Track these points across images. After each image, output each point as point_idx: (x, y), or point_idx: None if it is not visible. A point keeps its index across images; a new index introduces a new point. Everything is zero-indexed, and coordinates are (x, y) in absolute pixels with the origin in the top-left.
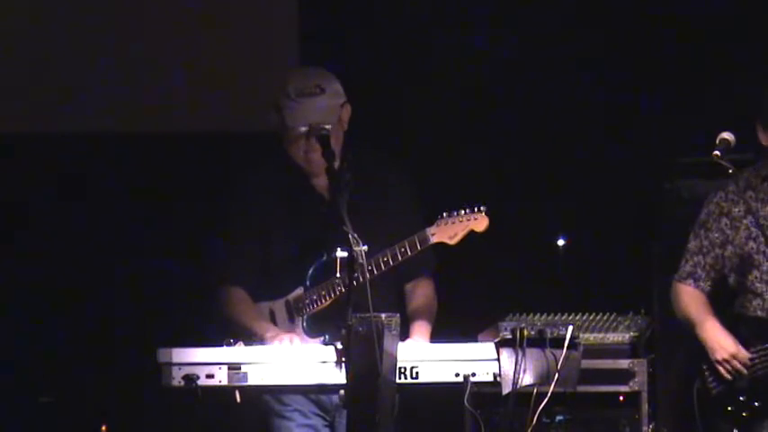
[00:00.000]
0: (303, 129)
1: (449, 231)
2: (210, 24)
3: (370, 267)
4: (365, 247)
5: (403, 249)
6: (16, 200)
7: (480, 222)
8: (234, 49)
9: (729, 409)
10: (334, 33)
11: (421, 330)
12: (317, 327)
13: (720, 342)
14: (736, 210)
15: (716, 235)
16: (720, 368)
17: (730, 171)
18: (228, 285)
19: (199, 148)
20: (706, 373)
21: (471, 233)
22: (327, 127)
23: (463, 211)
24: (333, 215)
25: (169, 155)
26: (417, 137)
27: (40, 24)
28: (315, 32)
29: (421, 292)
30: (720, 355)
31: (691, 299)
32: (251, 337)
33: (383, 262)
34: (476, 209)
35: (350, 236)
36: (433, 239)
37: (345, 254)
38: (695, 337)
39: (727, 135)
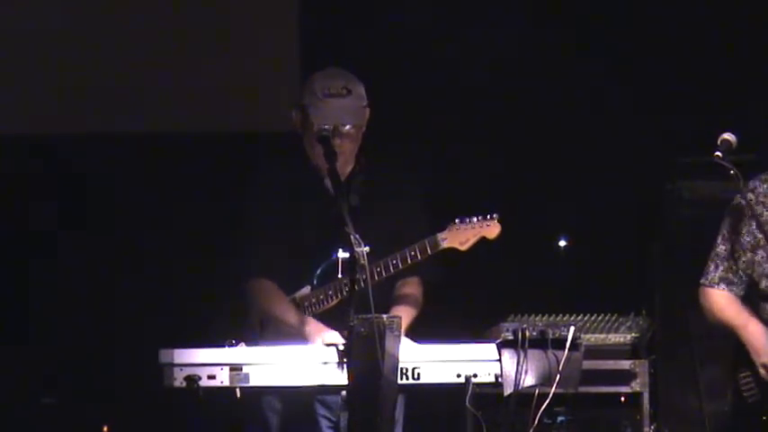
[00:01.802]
0: (325, 129)
1: (460, 237)
2: (211, 24)
3: (378, 269)
4: (367, 248)
5: (413, 253)
6: (17, 200)
7: (492, 229)
8: (234, 49)
9: (764, 418)
10: (334, 34)
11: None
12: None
13: (766, 345)
14: (767, 212)
15: (747, 239)
16: (763, 371)
17: (732, 172)
18: (258, 278)
19: (199, 149)
20: (742, 381)
21: (482, 240)
22: (347, 127)
23: (475, 218)
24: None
25: (169, 155)
26: (417, 138)
27: (40, 25)
28: (315, 33)
29: (407, 288)
30: (766, 358)
31: (727, 302)
32: (292, 333)
33: (392, 264)
34: (488, 216)
35: (351, 237)
36: (445, 244)
37: (347, 255)
38: (736, 339)
39: (728, 135)
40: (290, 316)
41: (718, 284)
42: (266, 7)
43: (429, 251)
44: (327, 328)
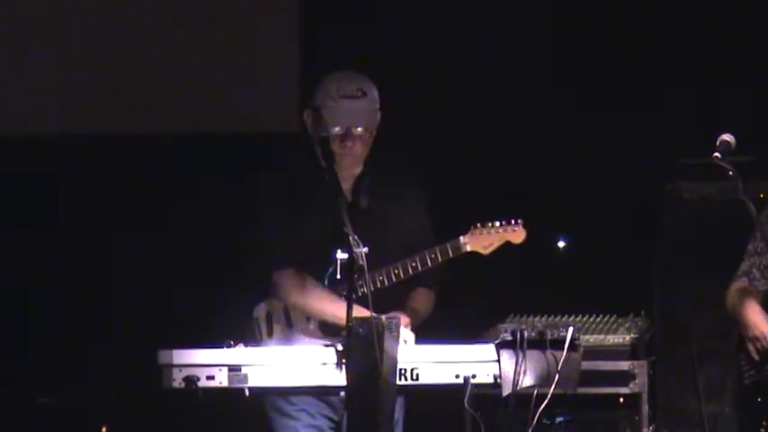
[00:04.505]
0: (337, 129)
1: (483, 241)
2: (211, 25)
3: (396, 271)
4: (365, 249)
5: (433, 256)
6: (16, 200)
7: (518, 234)
8: (234, 49)
9: (759, 400)
10: (334, 34)
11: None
12: (332, 327)
13: (755, 320)
14: None
15: None
16: (751, 347)
17: (731, 173)
18: (288, 269)
19: (198, 149)
20: (741, 363)
21: (507, 245)
22: (359, 130)
23: (498, 223)
24: (355, 216)
25: (169, 155)
26: (416, 138)
27: (41, 25)
28: (315, 33)
29: (416, 297)
30: (752, 332)
31: (738, 290)
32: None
33: (411, 267)
34: (513, 221)
35: (350, 237)
36: (467, 248)
37: (346, 255)
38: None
39: (727, 137)
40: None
41: (741, 278)
42: (266, 7)
43: (450, 254)
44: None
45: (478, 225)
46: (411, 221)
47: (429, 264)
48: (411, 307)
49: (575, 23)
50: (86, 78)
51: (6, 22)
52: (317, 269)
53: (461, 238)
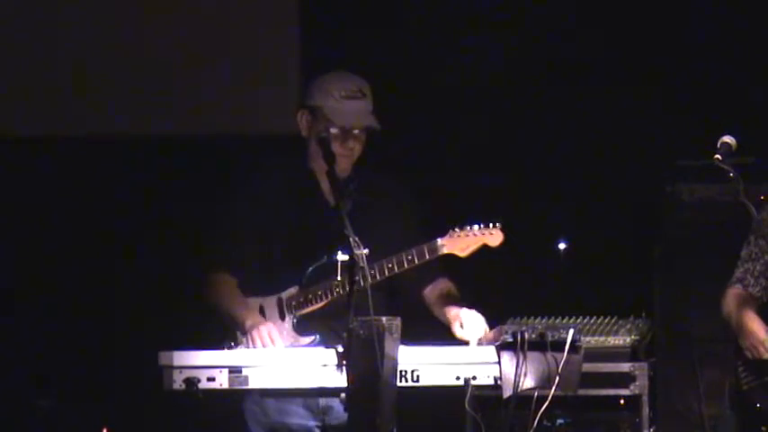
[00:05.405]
0: (335, 131)
1: (460, 244)
2: (210, 25)
3: (372, 272)
4: (366, 251)
5: (410, 257)
6: (16, 200)
7: (495, 237)
8: (233, 50)
9: (758, 406)
10: (334, 35)
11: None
12: (308, 326)
13: (752, 328)
14: None
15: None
16: (749, 354)
17: (731, 175)
18: (218, 272)
19: (198, 150)
20: (739, 369)
21: (485, 247)
22: (356, 131)
23: (477, 226)
24: (336, 219)
25: (169, 156)
26: (416, 140)
27: (41, 25)
28: (315, 33)
29: (442, 284)
30: (750, 340)
31: (734, 297)
32: (232, 324)
33: (387, 268)
34: (490, 224)
35: (351, 239)
36: (443, 250)
37: (347, 257)
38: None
39: (728, 138)
40: (236, 308)
41: (735, 284)
42: (266, 8)
43: (427, 256)
44: (265, 322)
45: (456, 228)
46: (397, 226)
47: (405, 265)
48: (449, 294)
49: (574, 24)
50: (86, 79)
51: (6, 21)
52: (295, 272)
53: (438, 240)
